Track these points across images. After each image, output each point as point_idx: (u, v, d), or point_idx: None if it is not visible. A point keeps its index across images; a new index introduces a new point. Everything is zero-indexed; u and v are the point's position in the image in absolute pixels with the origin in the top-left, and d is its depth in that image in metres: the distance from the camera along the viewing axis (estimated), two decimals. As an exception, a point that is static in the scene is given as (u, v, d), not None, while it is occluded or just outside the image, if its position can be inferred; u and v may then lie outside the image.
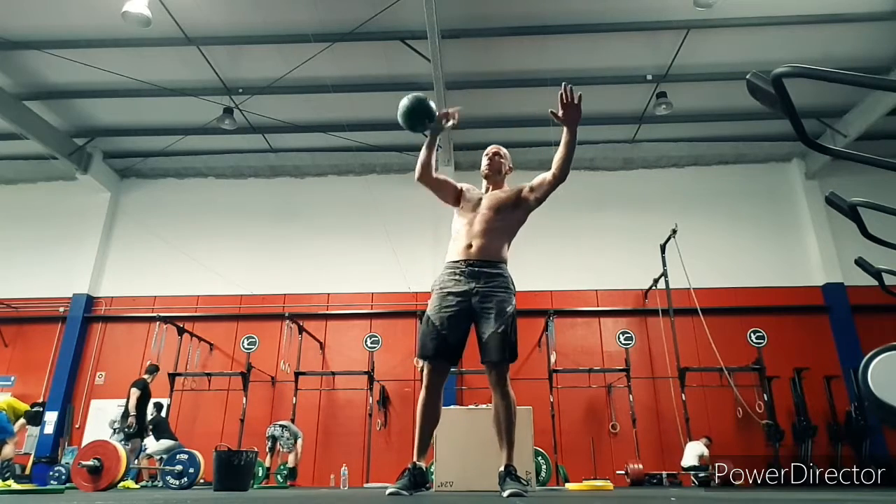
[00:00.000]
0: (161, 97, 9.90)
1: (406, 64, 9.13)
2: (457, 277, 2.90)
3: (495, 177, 3.20)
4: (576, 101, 2.79)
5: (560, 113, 2.83)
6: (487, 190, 3.20)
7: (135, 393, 7.85)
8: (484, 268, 2.89)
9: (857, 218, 1.92)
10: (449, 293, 2.89)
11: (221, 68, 9.52)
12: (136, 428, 7.78)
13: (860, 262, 2.48)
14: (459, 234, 3.02)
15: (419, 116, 2.92)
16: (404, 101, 2.91)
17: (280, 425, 8.70)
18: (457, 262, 2.95)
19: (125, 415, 7.88)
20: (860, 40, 8.80)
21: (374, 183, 11.65)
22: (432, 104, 2.95)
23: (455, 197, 3.19)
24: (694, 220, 10.46)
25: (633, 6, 8.36)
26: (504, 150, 3.27)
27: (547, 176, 3.00)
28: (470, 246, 2.94)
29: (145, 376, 8.23)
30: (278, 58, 9.09)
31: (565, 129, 2.87)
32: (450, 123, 3.00)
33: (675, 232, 9.28)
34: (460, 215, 3.11)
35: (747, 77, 1.40)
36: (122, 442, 7.66)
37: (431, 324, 2.87)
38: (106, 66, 9.16)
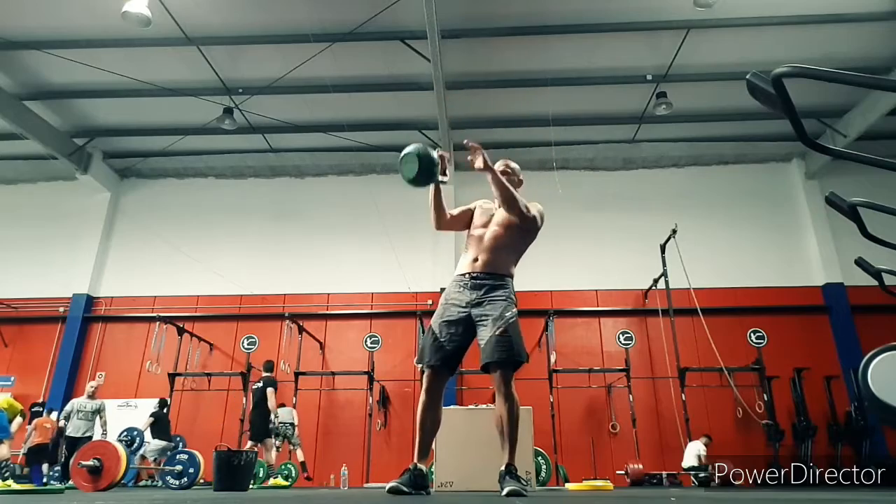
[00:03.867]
0: (161, 97, 9.89)
1: (406, 64, 9.13)
2: (460, 289, 2.97)
3: None
4: (473, 159, 2.82)
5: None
6: (500, 206, 3.16)
7: (272, 393, 7.95)
8: (487, 280, 2.93)
9: (857, 218, 1.92)
10: (451, 304, 2.95)
11: (221, 68, 9.52)
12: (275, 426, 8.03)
13: (860, 262, 2.48)
14: (469, 247, 3.07)
15: (430, 173, 2.82)
16: (411, 166, 2.78)
17: (288, 423, 8.79)
18: (462, 274, 3.00)
19: (261, 414, 7.97)
20: (860, 40, 8.80)
21: (374, 183, 11.64)
22: (433, 153, 2.82)
23: (470, 219, 3.20)
24: (694, 221, 10.46)
25: (633, 6, 8.35)
26: (513, 165, 3.23)
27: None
28: (476, 259, 2.99)
29: (268, 374, 8.29)
30: (278, 58, 9.09)
31: None
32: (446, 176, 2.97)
33: (675, 232, 9.28)
34: (473, 228, 3.14)
35: (747, 77, 1.39)
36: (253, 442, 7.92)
37: (431, 332, 2.95)
38: (106, 66, 9.16)
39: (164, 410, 8.76)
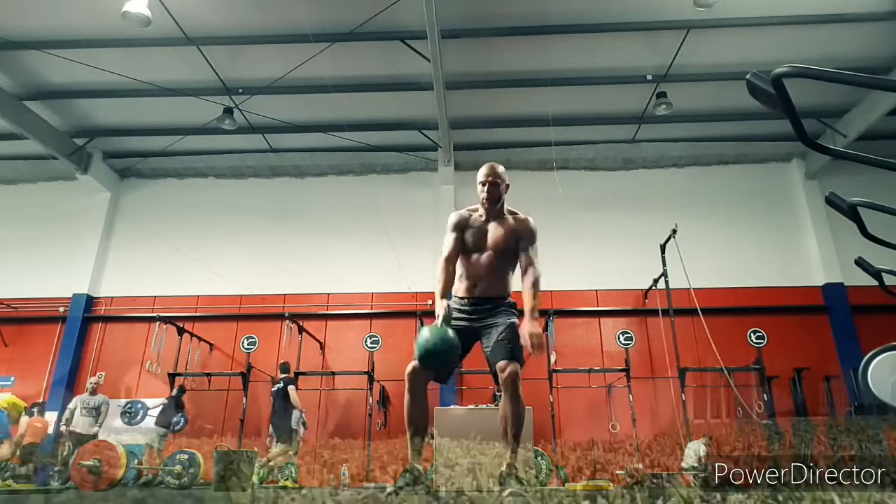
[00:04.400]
0: (161, 97, 9.89)
1: (406, 64, 9.12)
2: (461, 312, 3.07)
3: (494, 206, 3.13)
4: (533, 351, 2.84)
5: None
6: (488, 219, 3.14)
7: (294, 390, 8.09)
8: (487, 304, 3.06)
9: (857, 218, 1.92)
10: (453, 316, 3.03)
11: (221, 68, 9.52)
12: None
13: (860, 262, 2.48)
14: (466, 271, 3.13)
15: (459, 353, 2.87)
16: (439, 360, 2.82)
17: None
18: (462, 298, 3.11)
19: (283, 416, 8.06)
20: (860, 40, 8.80)
21: (374, 183, 11.64)
22: (450, 336, 2.79)
23: (464, 240, 3.17)
24: (694, 221, 10.44)
25: (633, 6, 8.35)
26: (500, 169, 3.14)
27: (523, 270, 3.09)
28: (475, 286, 3.08)
29: (286, 375, 8.39)
30: (278, 58, 9.08)
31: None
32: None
33: (675, 232, 9.26)
34: (468, 250, 3.13)
35: (747, 77, 1.39)
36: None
37: None
38: (106, 66, 9.15)
39: (179, 395, 8.85)
